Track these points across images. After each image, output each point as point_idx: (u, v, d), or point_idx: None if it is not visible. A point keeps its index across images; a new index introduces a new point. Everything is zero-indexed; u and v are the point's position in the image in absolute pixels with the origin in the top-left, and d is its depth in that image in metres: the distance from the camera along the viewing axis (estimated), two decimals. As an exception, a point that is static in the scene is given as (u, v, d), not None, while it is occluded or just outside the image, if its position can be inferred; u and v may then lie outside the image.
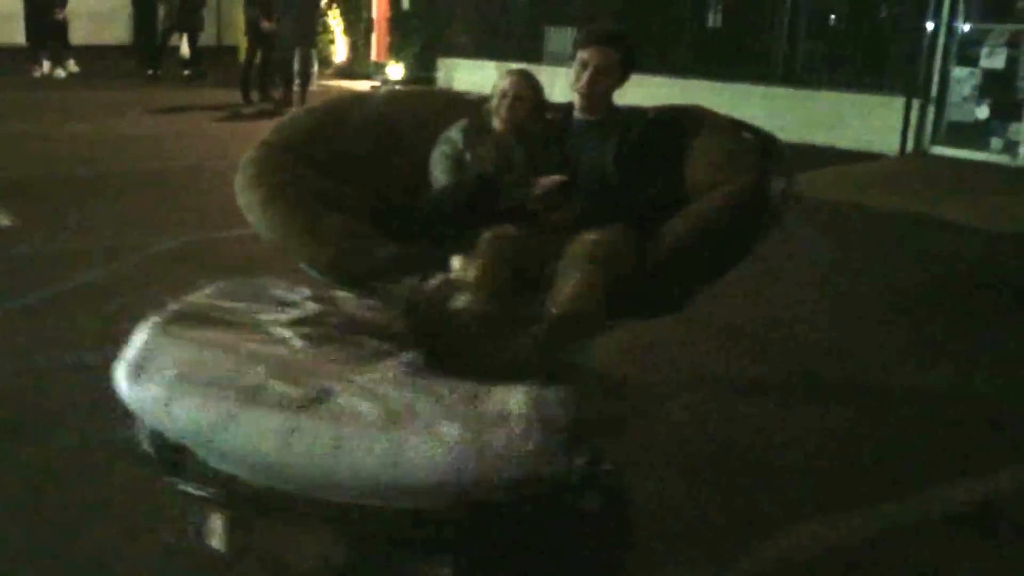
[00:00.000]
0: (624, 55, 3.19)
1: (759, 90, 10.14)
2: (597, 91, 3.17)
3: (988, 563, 2.60)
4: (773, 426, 3.37)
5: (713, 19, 11.37)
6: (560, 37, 13.03)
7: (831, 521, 2.72)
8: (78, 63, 15.76)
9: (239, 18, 14.75)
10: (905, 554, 2.61)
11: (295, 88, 12.21)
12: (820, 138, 9.48)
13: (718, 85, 10.54)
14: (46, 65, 15.48)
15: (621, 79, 3.21)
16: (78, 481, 2.79)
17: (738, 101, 10.28)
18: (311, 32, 12.72)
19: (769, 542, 2.61)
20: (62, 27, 15.47)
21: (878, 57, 9.57)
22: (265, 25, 12.15)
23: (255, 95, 12.55)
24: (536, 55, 13.31)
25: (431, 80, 14.73)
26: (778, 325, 4.50)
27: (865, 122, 9.16)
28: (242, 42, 13.82)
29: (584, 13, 12.67)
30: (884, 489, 2.94)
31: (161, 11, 15.58)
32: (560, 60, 12.87)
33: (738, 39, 10.99)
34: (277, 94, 12.23)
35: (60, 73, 15.45)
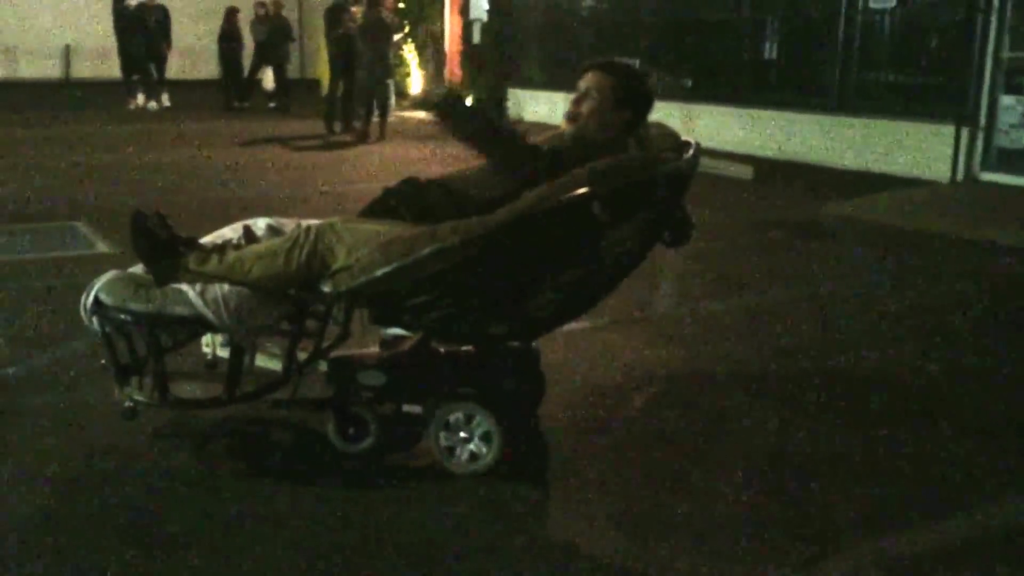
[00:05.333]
0: (618, 82, 3.27)
1: (816, 119, 10.53)
2: (577, 113, 3.28)
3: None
4: (828, 443, 3.64)
5: (770, 51, 11.78)
6: (626, 69, 13.48)
7: (889, 537, 2.88)
8: (170, 97, 16.70)
9: (322, 51, 15.52)
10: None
11: (375, 119, 12.90)
12: (875, 165, 9.83)
13: (776, 114, 10.96)
14: (140, 98, 16.45)
15: (616, 106, 3.26)
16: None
17: (796, 129, 10.72)
18: (388, 65, 13.42)
19: (834, 556, 2.79)
20: (159, 62, 16.44)
21: (929, 86, 9.89)
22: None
23: (338, 126, 13.23)
24: (603, 86, 13.80)
25: (502, 110, 15.33)
26: (829, 345, 4.80)
27: (917, 149, 9.47)
28: (325, 74, 14.54)
29: (648, 44, 13.16)
30: (937, 506, 3.07)
31: (248, 47, 16.49)
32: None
33: (795, 70, 11.38)
34: (358, 125, 12.91)
35: (153, 106, 16.39)
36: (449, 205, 3.20)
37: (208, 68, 18.01)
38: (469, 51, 16.15)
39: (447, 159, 10.94)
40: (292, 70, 17.40)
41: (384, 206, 3.32)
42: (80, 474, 3.21)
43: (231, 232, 3.48)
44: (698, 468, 3.31)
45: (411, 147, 11.98)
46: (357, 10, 13.65)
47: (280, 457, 3.38)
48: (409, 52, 17.16)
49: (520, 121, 14.28)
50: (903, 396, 4.09)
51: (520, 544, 2.79)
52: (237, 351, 3.18)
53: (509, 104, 15.39)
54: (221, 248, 3.27)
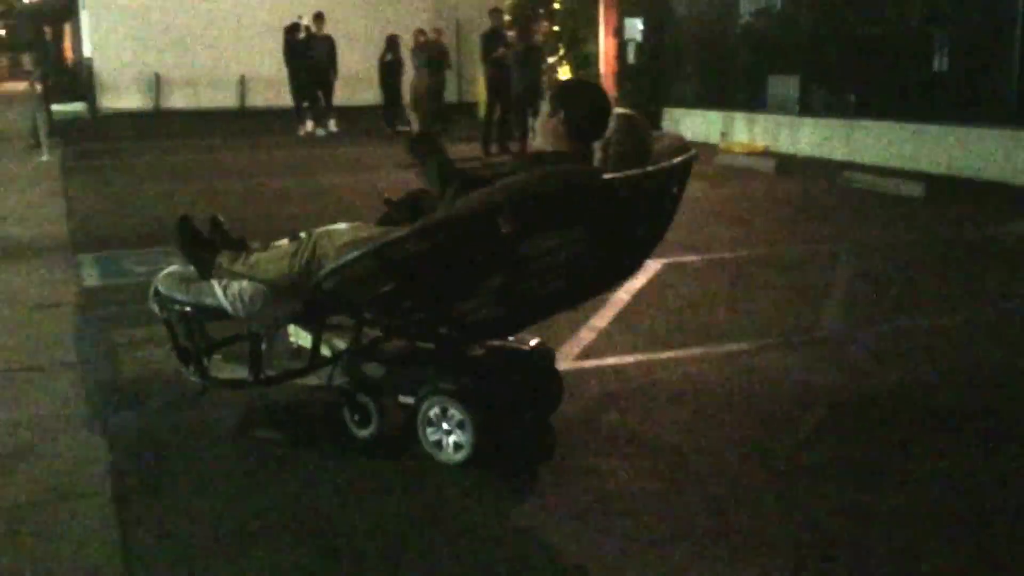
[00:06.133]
0: (556, 93, 3.61)
1: (991, 132, 10.00)
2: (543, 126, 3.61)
3: None
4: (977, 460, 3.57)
5: (939, 62, 11.24)
6: (783, 85, 13.22)
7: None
8: (337, 122, 17.39)
9: (479, 76, 15.85)
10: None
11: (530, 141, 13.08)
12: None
13: (947, 128, 10.48)
14: (309, 124, 17.19)
15: (566, 121, 3.41)
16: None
17: (969, 144, 10.19)
18: (540, 88, 13.58)
19: None
20: (326, 89, 17.15)
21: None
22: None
23: (494, 148, 13.48)
24: (760, 103, 13.59)
25: (657, 130, 15.25)
26: (1009, 372, 4.61)
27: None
28: (482, 98, 14.83)
29: (808, 60, 12.85)
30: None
31: (408, 72, 16.98)
32: (784, 108, 13.09)
33: (967, 81, 10.81)
34: (514, 147, 13.11)
35: (321, 132, 17.10)
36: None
37: (370, 94, 18.62)
38: (624, 70, 16.15)
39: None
40: (450, 94, 17.80)
41: (389, 216, 3.69)
42: (254, 477, 3.38)
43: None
44: (880, 501, 3.19)
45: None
46: (513, 35, 13.88)
47: (443, 468, 3.46)
48: (563, 74, 17.30)
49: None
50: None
51: None
52: (255, 338, 3.64)
53: (666, 123, 15.28)
54: (248, 250, 3.72)
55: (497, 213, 3.13)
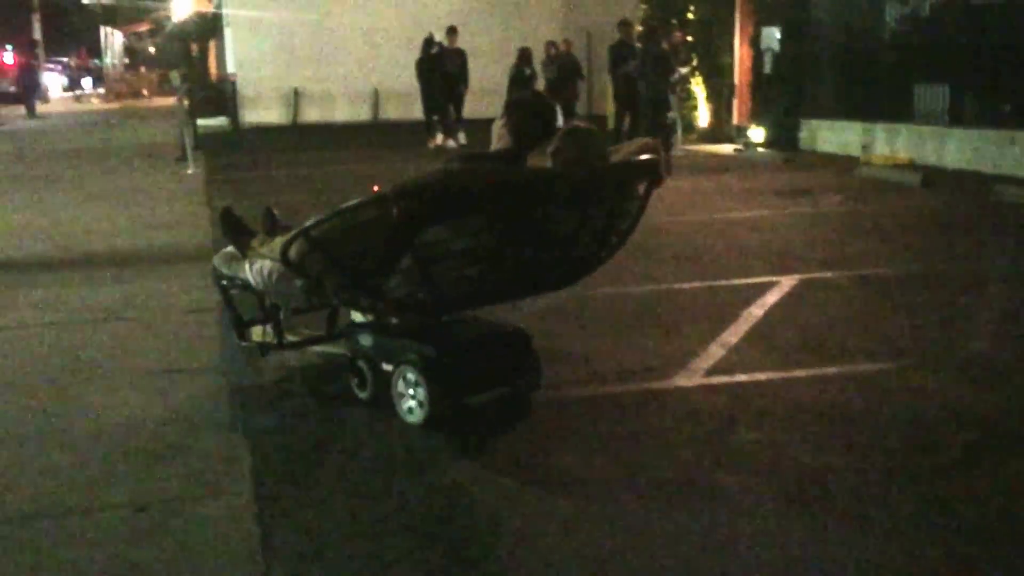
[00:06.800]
0: (508, 107, 4.11)
1: None
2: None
3: None
4: None
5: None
6: (931, 95, 12.68)
7: None
8: (466, 135, 17.62)
9: (608, 88, 15.82)
10: None
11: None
12: None
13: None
14: (439, 137, 17.47)
15: (509, 125, 3.95)
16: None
17: None
18: (668, 100, 13.45)
19: None
20: (457, 102, 17.41)
21: None
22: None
23: (623, 160, 13.38)
24: (906, 114, 13.05)
25: (794, 142, 14.89)
26: None
27: None
28: (611, 110, 14.78)
29: (957, 69, 12.30)
30: None
31: (537, 84, 17.08)
32: (931, 119, 12.56)
33: None
34: (644, 158, 13.00)
35: (451, 144, 17.36)
36: None
37: (499, 106, 18.79)
38: (760, 81, 15.83)
39: (729, 191, 10.82)
40: (579, 106, 17.82)
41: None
42: (391, 477, 3.45)
43: None
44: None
45: (693, 180, 11.91)
46: (640, 46, 13.78)
47: (571, 479, 3.45)
48: (696, 85, 17.10)
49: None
50: None
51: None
52: (274, 308, 4.41)
53: (802, 134, 14.89)
54: (274, 235, 4.31)
55: (385, 202, 3.59)
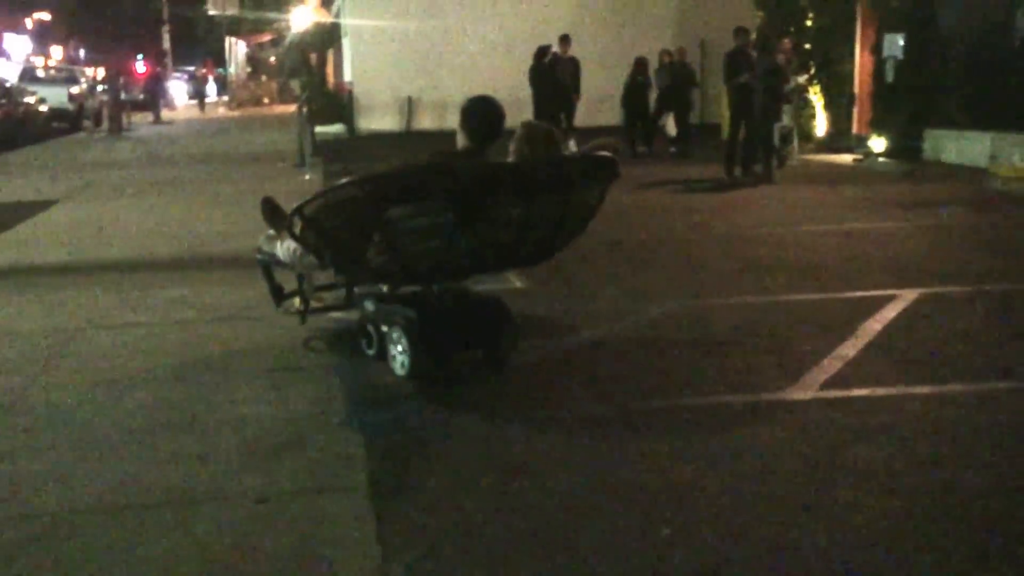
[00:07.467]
0: (461, 111, 4.68)
1: None
2: None
3: None
4: None
5: None
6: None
7: None
8: (576, 143, 17.62)
9: (723, 97, 15.58)
10: None
11: (773, 162, 12.72)
12: None
13: None
14: (550, 145, 17.51)
15: (463, 127, 4.65)
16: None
17: None
18: (779, 109, 13.19)
19: None
20: (569, 111, 17.42)
21: None
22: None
23: (737, 170, 13.16)
24: (1038, 125, 12.45)
25: (917, 152, 14.39)
26: None
27: None
28: (725, 119, 14.55)
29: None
30: None
31: (653, 94, 16.98)
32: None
33: None
34: (758, 169, 12.79)
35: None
36: None
37: (611, 114, 18.73)
38: (881, 90, 15.38)
39: (849, 202, 10.53)
40: (693, 115, 17.63)
41: None
42: (503, 476, 3.48)
43: None
44: None
45: (811, 190, 11.65)
46: (755, 54, 13.54)
47: (684, 488, 3.43)
48: (814, 94, 16.72)
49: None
50: None
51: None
52: (300, 280, 5.24)
53: (926, 144, 14.38)
54: (274, 223, 5.26)
55: (355, 184, 4.47)
